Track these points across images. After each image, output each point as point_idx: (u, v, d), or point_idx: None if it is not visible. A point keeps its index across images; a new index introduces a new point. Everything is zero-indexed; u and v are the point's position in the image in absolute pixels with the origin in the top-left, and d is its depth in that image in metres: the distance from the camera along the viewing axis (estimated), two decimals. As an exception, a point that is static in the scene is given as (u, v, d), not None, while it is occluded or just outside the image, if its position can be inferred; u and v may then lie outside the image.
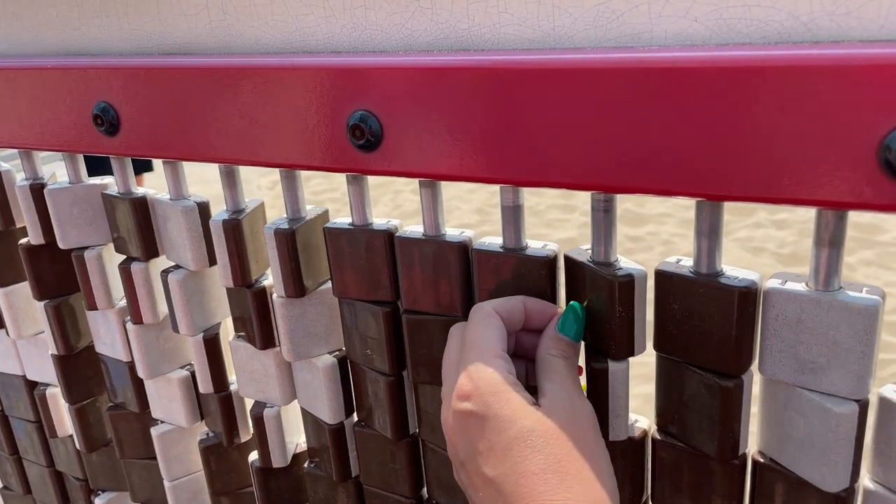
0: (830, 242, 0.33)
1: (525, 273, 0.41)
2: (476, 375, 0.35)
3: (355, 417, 0.53)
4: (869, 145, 0.28)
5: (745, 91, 0.30)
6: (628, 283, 0.38)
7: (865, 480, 0.36)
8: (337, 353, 0.52)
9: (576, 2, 0.34)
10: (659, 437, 0.41)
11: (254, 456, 0.58)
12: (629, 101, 0.32)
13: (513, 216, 0.41)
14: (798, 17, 0.30)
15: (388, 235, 0.45)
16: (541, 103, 0.34)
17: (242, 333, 0.55)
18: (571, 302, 0.39)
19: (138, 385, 0.62)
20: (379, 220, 0.46)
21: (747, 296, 0.35)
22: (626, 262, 0.39)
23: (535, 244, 0.41)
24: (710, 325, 0.36)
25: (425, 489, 0.52)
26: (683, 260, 0.38)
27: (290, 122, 0.42)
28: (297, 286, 0.48)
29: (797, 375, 0.35)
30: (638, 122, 0.32)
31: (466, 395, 0.35)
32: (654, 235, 3.15)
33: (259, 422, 0.55)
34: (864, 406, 0.34)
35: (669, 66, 0.31)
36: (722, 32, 0.31)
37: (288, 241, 0.47)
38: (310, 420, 0.54)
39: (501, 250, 0.41)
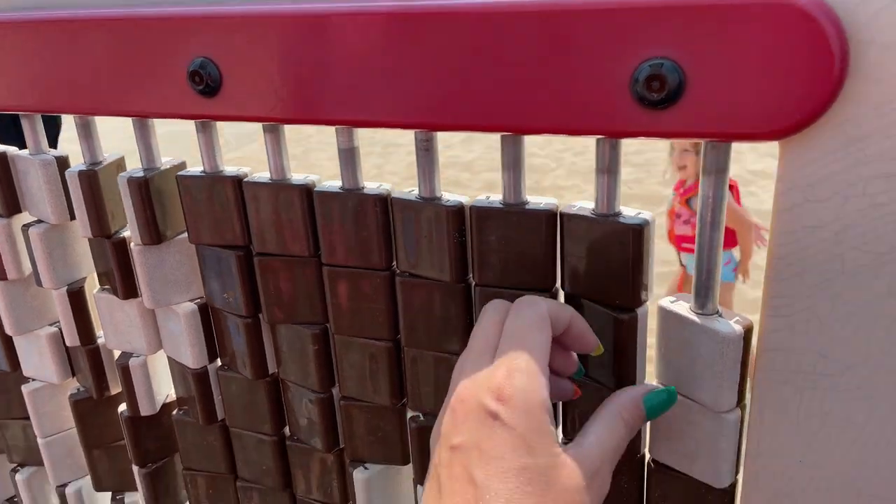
0: (608, 170, 0.37)
1: (361, 212, 0.44)
2: (518, 385, 0.32)
3: (219, 362, 0.55)
4: (623, 79, 0.32)
5: (525, 32, 0.33)
6: (458, 211, 0.41)
7: (655, 383, 0.41)
8: (198, 300, 0.54)
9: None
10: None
11: (123, 407, 0.59)
12: (440, 44, 0.35)
13: (349, 158, 0.44)
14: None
15: (237, 181, 0.47)
16: (360, 47, 0.37)
17: (107, 286, 0.56)
18: (672, 387, 0.37)
19: (8, 343, 0.62)
20: (230, 168, 0.48)
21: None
22: (450, 194, 0.42)
23: (371, 185, 0.45)
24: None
25: (287, 427, 0.55)
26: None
27: (134, 71, 0.44)
28: (152, 233, 0.50)
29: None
30: (447, 65, 0.36)
31: (501, 398, 0.32)
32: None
33: (125, 371, 0.56)
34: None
35: (469, 12, 0.34)
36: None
37: (141, 188, 0.48)
38: (176, 368, 0.56)
39: (341, 191, 0.44)
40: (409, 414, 0.48)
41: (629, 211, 0.38)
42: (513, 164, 0.39)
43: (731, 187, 2.31)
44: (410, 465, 0.50)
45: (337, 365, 0.49)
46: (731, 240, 2.28)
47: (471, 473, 0.32)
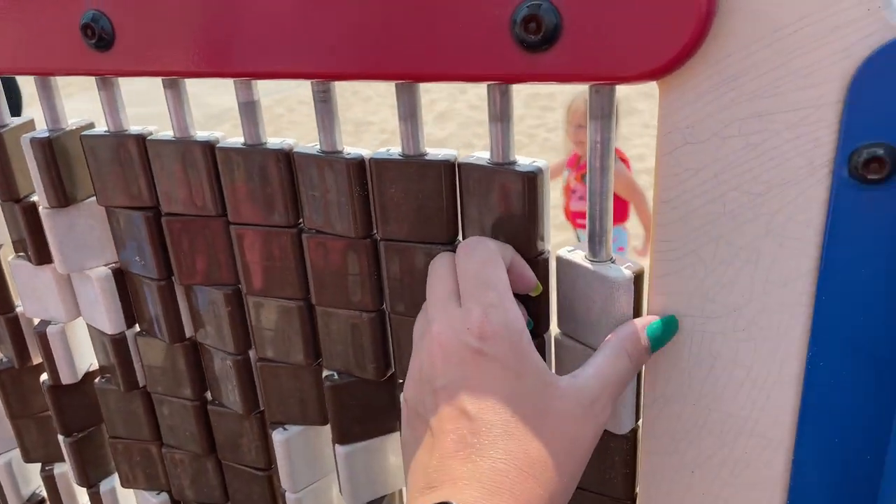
0: (500, 118, 0.37)
1: (264, 169, 0.43)
2: (496, 320, 0.32)
3: (137, 328, 0.54)
4: (502, 20, 0.32)
5: (405, -25, 0.33)
6: (359, 164, 0.41)
7: (556, 333, 0.41)
8: (113, 264, 0.53)
9: None
10: (397, 316, 0.45)
11: (45, 376, 0.58)
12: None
13: (250, 112, 0.43)
14: None
15: (141, 139, 0.46)
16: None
17: (22, 253, 0.55)
18: (672, 316, 0.35)
19: (-76, 316, 0.61)
20: (134, 127, 0.47)
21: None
22: (351, 148, 0.42)
23: (274, 140, 0.44)
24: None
25: (209, 392, 0.54)
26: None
27: (29, 27, 0.43)
28: (58, 195, 0.49)
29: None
30: (337, 13, 0.35)
31: (483, 336, 0.32)
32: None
33: (44, 339, 0.55)
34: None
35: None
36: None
37: (45, 148, 0.47)
38: (95, 335, 0.56)
39: (243, 147, 0.44)
40: (325, 373, 0.48)
41: (524, 160, 0.38)
42: (409, 114, 0.39)
43: (623, 160, 2.25)
44: (329, 425, 0.50)
45: (252, 326, 0.49)
46: (621, 213, 2.21)
47: (463, 408, 0.31)
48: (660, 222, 0.35)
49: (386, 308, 0.44)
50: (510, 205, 0.38)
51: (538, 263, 0.39)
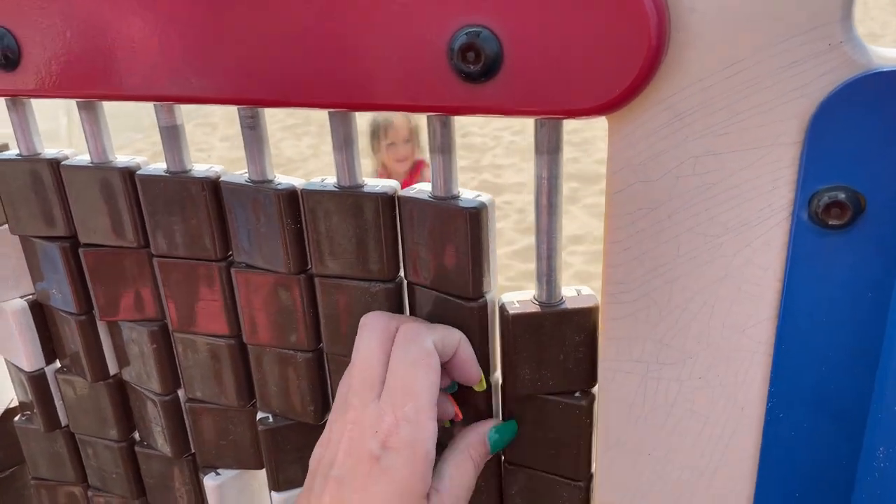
0: (441, 149, 0.34)
1: (189, 198, 0.40)
2: (405, 436, 0.32)
3: (58, 364, 0.50)
4: (440, 49, 0.29)
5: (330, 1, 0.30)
6: (290, 195, 0.38)
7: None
8: (30, 296, 0.49)
9: None
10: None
11: (-42, 414, 0.54)
12: (251, 13, 0.32)
13: (172, 137, 0.39)
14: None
15: (55, 164, 0.42)
16: (166, 19, 0.33)
17: (-70, 283, 0.50)
18: (512, 420, 0.38)
19: None
20: (49, 150, 0.44)
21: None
22: (283, 177, 0.39)
23: (200, 167, 0.41)
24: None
25: (137, 432, 0.51)
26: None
27: (-75, 40, 0.39)
28: (-35, 224, 0.45)
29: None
30: (262, 36, 0.32)
31: (386, 446, 0.32)
32: (509, 204, 3.25)
33: (-45, 376, 0.51)
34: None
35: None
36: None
37: (-54, 174, 0.43)
38: (14, 371, 0.51)
39: (165, 175, 0.40)
40: (259, 415, 0.45)
41: (468, 193, 0.35)
42: (344, 143, 0.36)
43: (421, 165, 2.10)
44: (265, 469, 0.47)
45: (180, 364, 0.45)
46: None
47: (341, 496, 0.32)
48: (610, 263, 0.33)
49: (324, 347, 0.41)
50: (452, 242, 0.35)
51: (477, 309, 0.36)
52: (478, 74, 0.29)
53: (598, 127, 3.19)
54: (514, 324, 0.35)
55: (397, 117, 2.04)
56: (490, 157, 3.99)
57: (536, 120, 0.32)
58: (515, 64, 0.28)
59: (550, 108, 0.29)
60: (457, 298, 0.36)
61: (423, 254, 0.36)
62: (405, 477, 0.32)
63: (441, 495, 0.34)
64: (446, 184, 0.35)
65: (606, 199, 0.32)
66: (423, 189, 0.36)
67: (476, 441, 0.37)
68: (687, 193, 0.30)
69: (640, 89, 0.28)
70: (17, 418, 0.53)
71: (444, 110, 0.31)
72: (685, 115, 0.29)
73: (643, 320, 0.33)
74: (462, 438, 0.37)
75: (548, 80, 0.28)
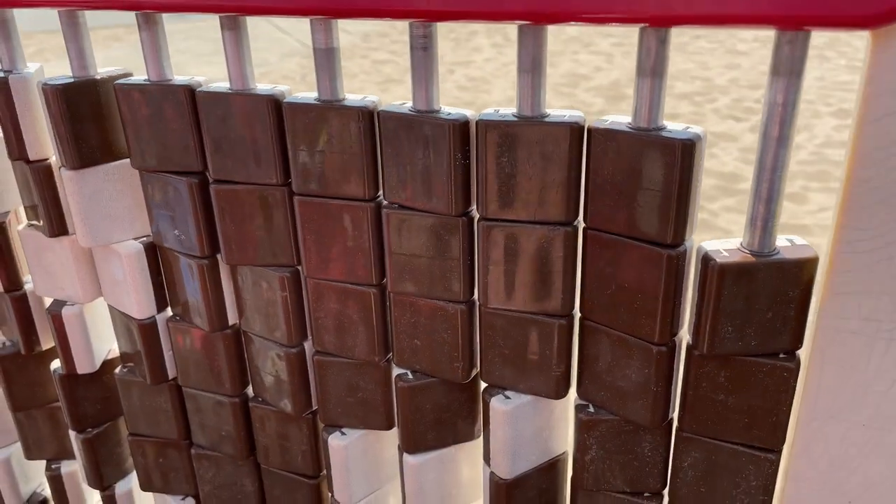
0: (653, 72, 0.30)
1: (341, 130, 0.36)
2: None
3: (170, 312, 0.47)
4: (690, -56, 0.25)
5: None
6: (462, 127, 0.34)
7: (688, 335, 0.35)
8: (144, 238, 0.45)
9: None
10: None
11: (57, 363, 0.51)
12: None
13: (326, 60, 0.36)
14: None
15: (189, 91, 0.39)
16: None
17: (34, 221, 0.47)
18: None
19: (-84, 291, 0.53)
20: (181, 77, 0.40)
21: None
22: (451, 108, 0.35)
23: (354, 98, 0.37)
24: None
25: (250, 387, 0.48)
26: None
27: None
28: (77, 154, 0.41)
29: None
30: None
31: None
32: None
33: (58, 322, 0.48)
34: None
35: None
36: None
37: (59, 96, 0.40)
38: (118, 319, 0.48)
39: (316, 103, 0.37)
40: (396, 371, 0.42)
41: (674, 125, 0.32)
42: (532, 64, 0.32)
43: None
44: (396, 430, 0.44)
45: (310, 314, 0.42)
46: None
47: None
48: (851, 205, 0.29)
49: (478, 299, 0.38)
50: (654, 179, 0.31)
51: (675, 257, 0.32)
52: (737, -25, 0.25)
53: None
54: (722, 274, 0.31)
55: None
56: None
57: (778, 34, 0.28)
58: (785, -38, 0.24)
59: (807, 14, 0.25)
60: (650, 244, 0.32)
61: (613, 194, 0.32)
62: None
63: None
64: (651, 112, 0.31)
65: (856, 128, 0.28)
66: (618, 120, 0.32)
67: None
68: (968, 123, 0.26)
69: (940, -7, 0.24)
70: (117, 370, 0.50)
71: (683, 20, 0.27)
72: None
73: (881, 273, 0.29)
74: None
75: (824, -17, 0.24)
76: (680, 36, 4.10)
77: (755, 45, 3.82)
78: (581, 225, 0.35)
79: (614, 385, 0.36)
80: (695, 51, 3.90)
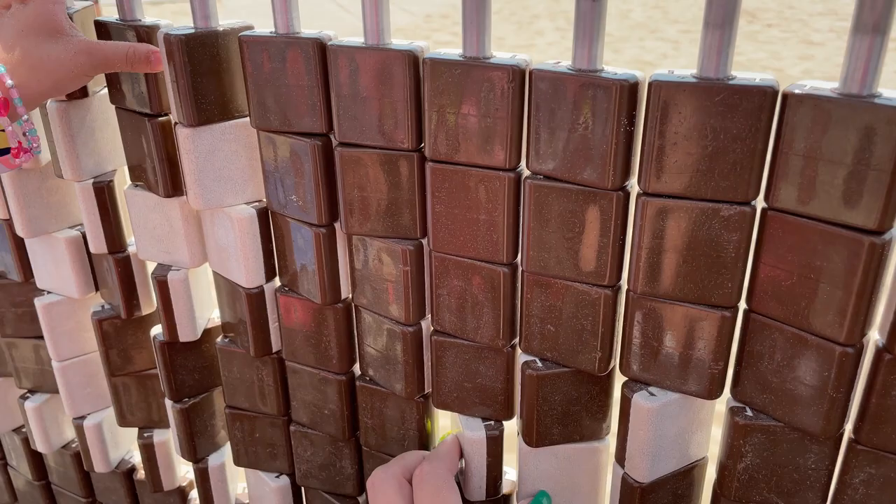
0: (873, 28, 0.26)
1: (485, 91, 0.33)
2: None
3: (277, 282, 0.45)
4: None
5: None
6: (630, 88, 0.30)
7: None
8: (256, 203, 0.43)
9: None
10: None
11: (157, 330, 0.50)
12: None
13: (475, 12, 0.32)
14: None
15: (320, 46, 0.36)
16: None
17: (140, 182, 0.46)
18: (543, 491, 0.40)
19: (19, 247, 0.52)
20: (308, 31, 0.37)
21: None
22: (616, 68, 0.31)
23: (502, 55, 0.33)
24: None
25: (357, 365, 0.45)
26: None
27: None
28: (195, 110, 0.39)
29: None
30: None
31: None
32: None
33: (163, 287, 0.46)
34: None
35: None
36: None
37: (181, 47, 0.37)
38: (224, 286, 0.46)
39: (462, 59, 0.33)
40: (523, 358, 0.38)
41: (888, 91, 0.27)
42: (723, 20, 0.28)
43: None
44: (515, 419, 0.41)
45: (431, 291, 0.39)
46: None
47: None
48: None
49: (632, 284, 0.34)
50: (867, 153, 0.27)
51: (879, 245, 0.28)
52: None
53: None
54: (937, 267, 0.27)
55: None
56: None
57: None
58: None
59: None
60: (851, 230, 0.28)
61: (809, 170, 0.28)
62: None
63: None
64: (866, 77, 0.27)
65: None
66: (818, 86, 0.28)
67: None
68: None
69: None
70: (219, 339, 0.49)
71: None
72: None
73: None
74: None
75: None
76: (752, 24, 3.94)
77: (830, 35, 3.63)
78: (760, 205, 0.31)
79: (782, 388, 0.32)
80: (766, 40, 3.74)
